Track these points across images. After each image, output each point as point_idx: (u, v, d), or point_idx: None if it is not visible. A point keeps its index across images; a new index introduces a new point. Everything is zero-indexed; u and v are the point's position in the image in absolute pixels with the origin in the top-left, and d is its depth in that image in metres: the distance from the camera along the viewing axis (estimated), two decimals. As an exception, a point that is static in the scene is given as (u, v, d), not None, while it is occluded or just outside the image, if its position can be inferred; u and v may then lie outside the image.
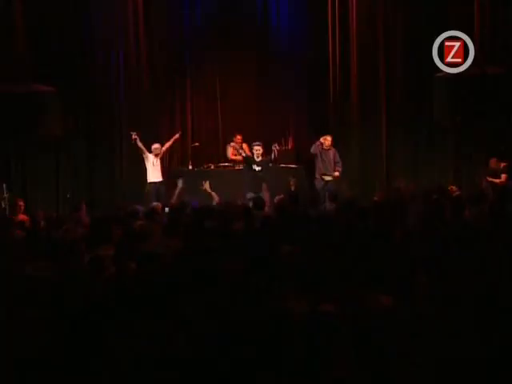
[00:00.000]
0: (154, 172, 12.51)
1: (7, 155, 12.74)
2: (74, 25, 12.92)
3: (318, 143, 12.39)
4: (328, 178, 12.30)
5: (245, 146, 12.94)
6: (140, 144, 12.26)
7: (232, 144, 12.96)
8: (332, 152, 12.48)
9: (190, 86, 14.06)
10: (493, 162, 11.71)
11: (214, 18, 13.82)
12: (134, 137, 12.15)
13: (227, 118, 14.07)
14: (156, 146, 12.54)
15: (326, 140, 12.38)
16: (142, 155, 12.44)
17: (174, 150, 13.76)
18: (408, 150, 13.27)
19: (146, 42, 13.72)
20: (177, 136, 12.85)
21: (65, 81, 12.42)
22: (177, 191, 11.54)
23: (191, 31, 13.92)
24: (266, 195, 11.14)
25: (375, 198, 9.86)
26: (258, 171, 11.71)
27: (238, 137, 13.13)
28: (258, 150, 11.79)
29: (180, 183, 11.81)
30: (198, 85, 14.06)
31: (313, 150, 12.40)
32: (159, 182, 12.55)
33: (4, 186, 11.68)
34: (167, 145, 12.68)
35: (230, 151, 13.47)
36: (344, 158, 13.47)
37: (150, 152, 12.44)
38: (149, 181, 12.48)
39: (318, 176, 12.36)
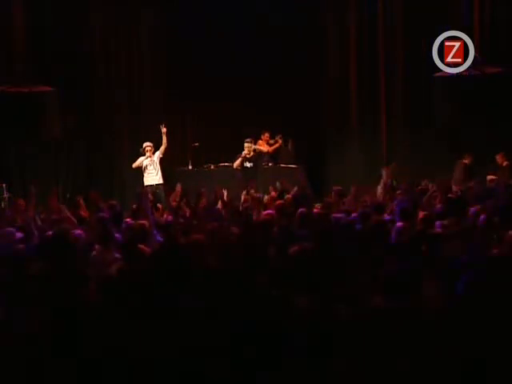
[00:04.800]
0: (147, 175, 12.00)
1: (7, 155, 12.73)
2: (73, 25, 12.91)
3: None
4: None
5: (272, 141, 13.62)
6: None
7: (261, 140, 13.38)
8: None
9: (191, 85, 14.04)
10: (499, 158, 11.74)
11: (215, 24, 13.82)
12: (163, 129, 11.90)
13: (227, 118, 14.06)
14: (147, 144, 11.98)
15: None
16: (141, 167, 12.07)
17: (174, 150, 13.76)
18: (408, 149, 13.28)
19: (147, 42, 13.75)
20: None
21: (65, 81, 12.41)
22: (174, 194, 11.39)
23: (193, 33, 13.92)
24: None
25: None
26: (250, 167, 11.75)
27: (266, 134, 13.49)
28: (248, 146, 11.83)
29: (178, 187, 11.57)
30: (197, 85, 14.03)
31: None
32: (156, 186, 11.99)
33: (4, 186, 11.67)
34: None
35: (263, 145, 13.37)
36: (344, 158, 13.50)
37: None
38: (145, 184, 12.13)
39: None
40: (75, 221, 7.40)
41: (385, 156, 13.43)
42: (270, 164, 13.11)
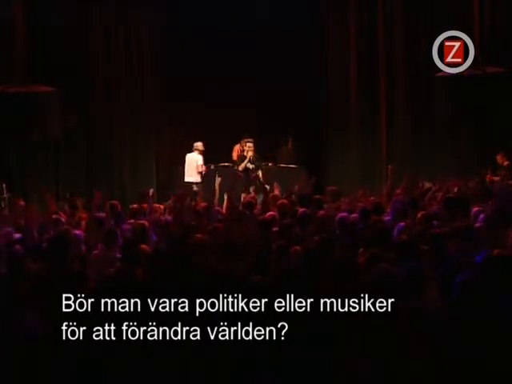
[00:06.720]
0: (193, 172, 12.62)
1: (7, 155, 12.73)
2: (73, 25, 12.90)
3: None
4: None
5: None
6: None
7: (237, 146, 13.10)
8: None
9: (191, 85, 14.02)
10: (499, 158, 11.73)
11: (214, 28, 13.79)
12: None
13: (227, 118, 14.03)
14: (199, 143, 12.74)
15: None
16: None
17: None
18: (408, 150, 13.28)
19: (147, 42, 13.75)
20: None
21: (65, 81, 12.40)
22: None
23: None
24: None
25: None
26: (252, 169, 11.74)
27: (245, 140, 13.17)
28: (250, 146, 11.82)
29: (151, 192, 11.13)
30: (197, 85, 14.00)
31: None
32: (193, 183, 12.60)
33: (4, 186, 11.66)
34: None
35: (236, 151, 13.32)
36: (343, 159, 13.50)
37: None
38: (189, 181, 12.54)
39: None
40: (74, 221, 7.40)
41: (385, 156, 13.42)
42: (270, 164, 13.10)
